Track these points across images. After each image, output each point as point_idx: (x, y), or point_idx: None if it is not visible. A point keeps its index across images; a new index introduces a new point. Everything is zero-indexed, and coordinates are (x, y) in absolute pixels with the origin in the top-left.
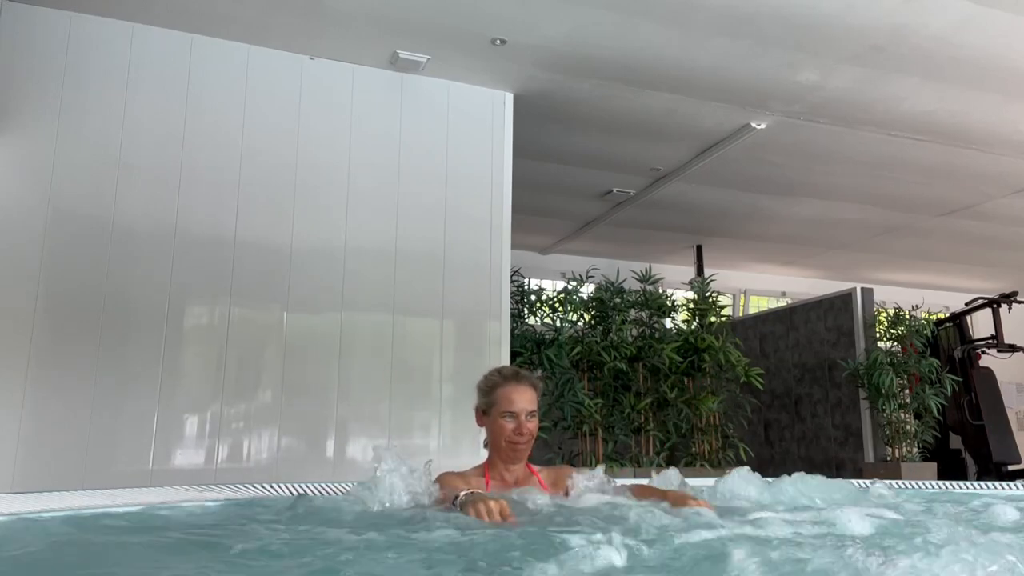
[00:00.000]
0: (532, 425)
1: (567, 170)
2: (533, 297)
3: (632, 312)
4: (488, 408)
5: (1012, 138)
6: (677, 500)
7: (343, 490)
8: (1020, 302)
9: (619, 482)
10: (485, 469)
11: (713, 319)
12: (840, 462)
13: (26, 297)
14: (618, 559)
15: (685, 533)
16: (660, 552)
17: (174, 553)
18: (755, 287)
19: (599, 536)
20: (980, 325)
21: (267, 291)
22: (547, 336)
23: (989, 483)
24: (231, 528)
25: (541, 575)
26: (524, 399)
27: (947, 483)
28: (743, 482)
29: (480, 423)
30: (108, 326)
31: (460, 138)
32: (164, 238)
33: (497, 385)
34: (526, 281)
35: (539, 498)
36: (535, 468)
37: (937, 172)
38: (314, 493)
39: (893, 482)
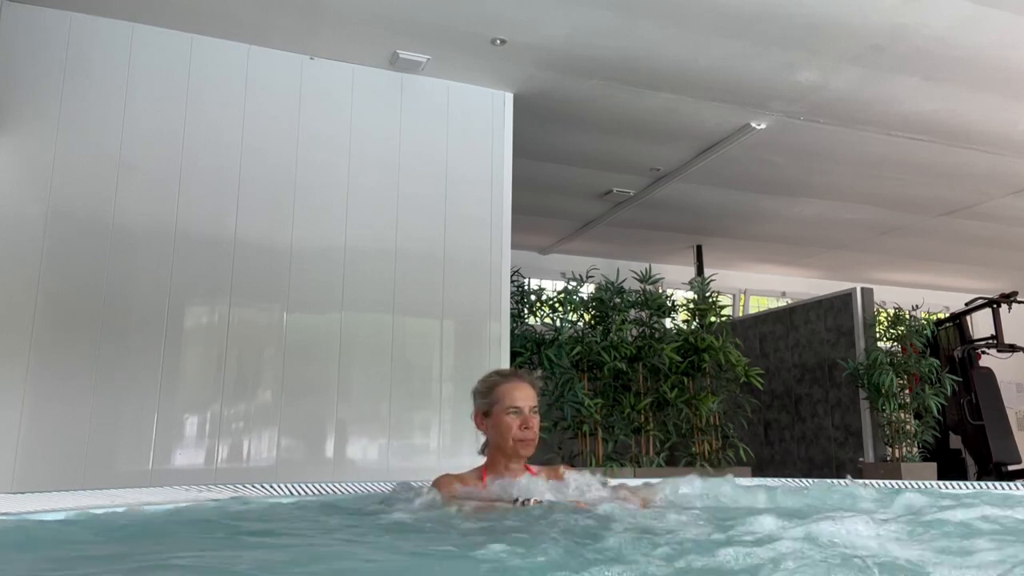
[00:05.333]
0: (536, 421)
1: (567, 170)
2: (533, 297)
3: (632, 312)
4: (490, 408)
5: (1012, 138)
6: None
7: (344, 490)
8: (1020, 302)
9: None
10: (483, 472)
11: (713, 319)
12: (840, 462)
13: (26, 297)
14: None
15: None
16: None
17: (173, 553)
18: (755, 287)
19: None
20: (980, 325)
21: (267, 291)
22: (547, 336)
23: (989, 483)
24: (231, 528)
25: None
26: (526, 395)
27: (947, 483)
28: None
29: (481, 426)
30: (108, 326)
31: (460, 138)
32: (164, 238)
33: (497, 384)
34: (526, 281)
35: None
36: (533, 468)
37: (937, 172)
38: (317, 494)
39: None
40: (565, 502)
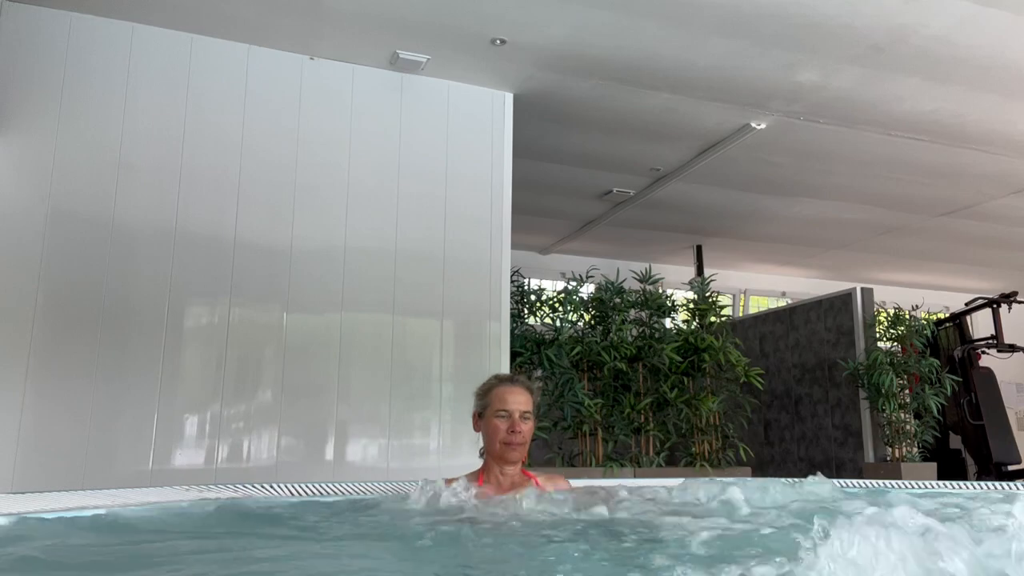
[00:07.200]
0: (526, 427)
1: (567, 170)
2: (533, 297)
3: (632, 312)
4: (483, 410)
5: (1012, 138)
6: None
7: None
8: (1020, 302)
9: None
10: (480, 474)
11: (713, 319)
12: (840, 462)
13: (26, 297)
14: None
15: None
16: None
17: (173, 553)
18: (755, 287)
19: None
20: (980, 325)
21: (267, 291)
22: (547, 336)
23: (989, 483)
24: (231, 528)
25: None
26: (518, 400)
27: (947, 483)
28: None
29: (477, 428)
30: (108, 326)
31: (460, 138)
32: (164, 238)
33: (493, 387)
34: (526, 281)
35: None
36: (531, 472)
37: (937, 172)
38: (317, 494)
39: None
40: (559, 504)
